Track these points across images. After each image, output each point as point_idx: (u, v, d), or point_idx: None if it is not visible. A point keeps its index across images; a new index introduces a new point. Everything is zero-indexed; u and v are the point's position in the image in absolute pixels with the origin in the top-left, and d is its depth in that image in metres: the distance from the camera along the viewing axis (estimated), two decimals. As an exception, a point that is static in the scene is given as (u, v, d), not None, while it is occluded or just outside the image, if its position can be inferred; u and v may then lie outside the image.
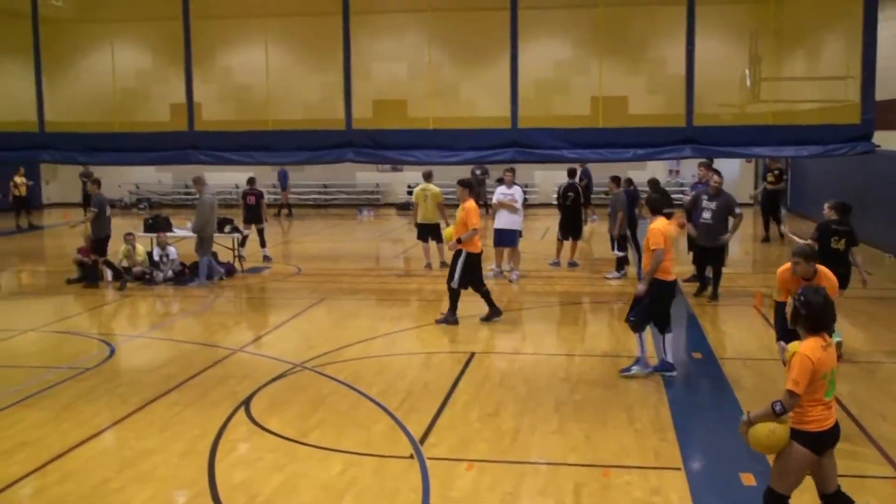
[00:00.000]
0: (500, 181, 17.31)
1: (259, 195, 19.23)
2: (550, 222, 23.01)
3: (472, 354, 11.00)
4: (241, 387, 9.69)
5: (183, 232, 17.94)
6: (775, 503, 5.47)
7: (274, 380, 9.99)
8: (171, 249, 16.77)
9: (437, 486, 6.90)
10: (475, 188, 13.60)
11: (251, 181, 19.72)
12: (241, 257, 18.23)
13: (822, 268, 7.96)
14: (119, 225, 19.61)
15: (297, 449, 7.81)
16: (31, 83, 15.25)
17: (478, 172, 28.07)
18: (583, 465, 7.38)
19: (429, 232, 17.50)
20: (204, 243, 16.35)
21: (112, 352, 11.39)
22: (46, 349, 11.80)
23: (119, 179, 34.10)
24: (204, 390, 9.63)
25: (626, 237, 16.65)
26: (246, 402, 9.11)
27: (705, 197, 14.29)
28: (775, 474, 5.47)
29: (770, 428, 5.31)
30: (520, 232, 16.50)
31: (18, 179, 27.36)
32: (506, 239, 16.37)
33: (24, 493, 6.89)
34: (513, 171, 16.94)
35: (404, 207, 32.05)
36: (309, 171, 32.24)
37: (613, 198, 16.89)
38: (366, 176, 33.63)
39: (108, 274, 16.47)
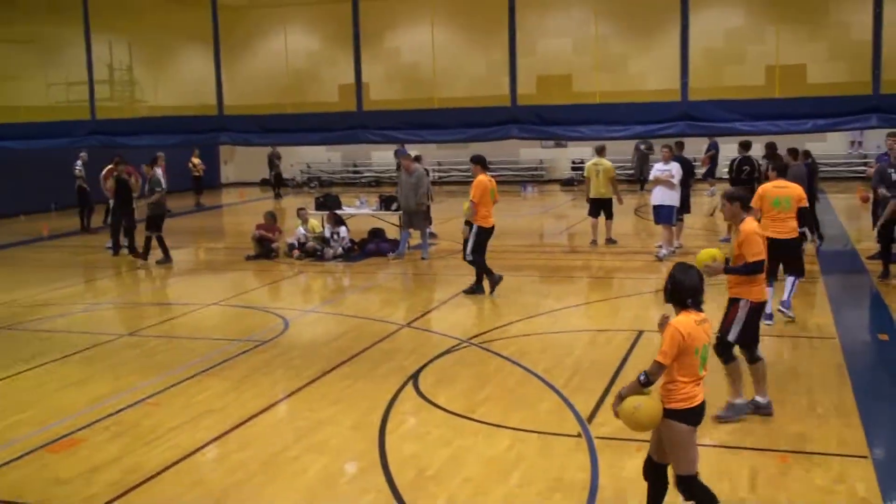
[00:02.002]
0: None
1: (426, 172, 19.42)
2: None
3: (641, 333, 10.76)
4: (409, 361, 9.85)
5: (352, 210, 18.42)
6: (685, 485, 5.46)
7: (441, 355, 10.10)
8: (342, 228, 17.22)
9: (605, 466, 6.78)
10: (486, 165, 13.78)
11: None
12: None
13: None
14: (292, 203, 20.36)
15: (464, 424, 7.87)
16: (209, 68, 15.92)
17: (642, 147, 27.48)
18: (759, 450, 7.08)
19: (601, 207, 17.40)
20: (419, 216, 16.94)
21: (286, 325, 11.81)
22: (226, 322, 12.38)
23: (291, 159, 35.34)
24: (374, 364, 9.85)
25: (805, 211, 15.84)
26: (414, 377, 9.25)
27: (893, 170, 13.41)
28: (673, 461, 5.48)
29: (635, 404, 5.32)
30: (675, 208, 16.06)
31: (195, 161, 28.79)
32: (663, 215, 15.96)
33: (209, 457, 7.25)
34: (670, 147, 16.44)
35: (568, 183, 31.82)
36: (473, 148, 32.36)
37: (793, 171, 16.10)
38: (529, 152, 33.53)
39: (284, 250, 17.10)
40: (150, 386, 9.16)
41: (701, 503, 5.49)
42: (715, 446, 7.18)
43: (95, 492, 6.59)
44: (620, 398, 5.43)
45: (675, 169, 16.00)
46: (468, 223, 13.22)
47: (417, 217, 17.00)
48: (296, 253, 17.00)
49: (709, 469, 6.66)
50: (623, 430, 7.33)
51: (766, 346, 9.97)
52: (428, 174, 19.63)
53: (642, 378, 5.31)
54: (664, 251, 15.96)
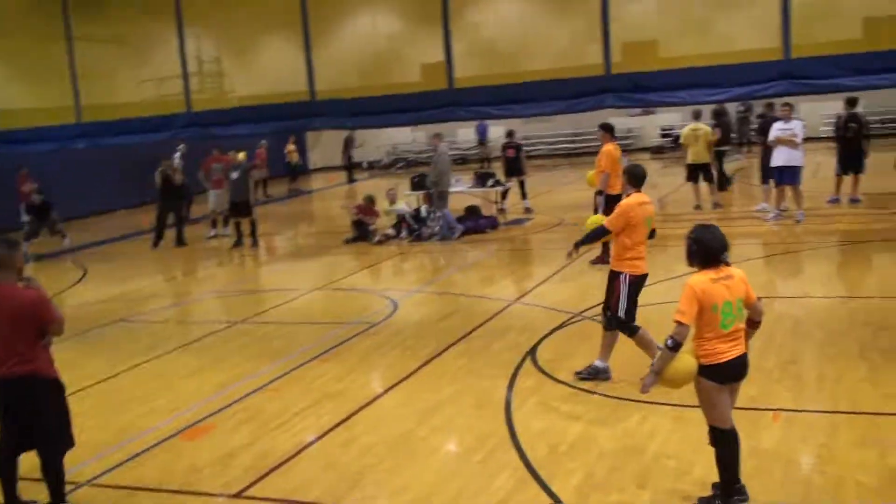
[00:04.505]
0: (762, 117, 16.50)
1: (518, 147, 19.31)
2: (821, 157, 21.58)
3: (758, 299, 10.42)
4: (523, 338, 9.76)
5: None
6: (717, 436, 5.50)
7: (554, 330, 9.98)
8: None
9: (743, 437, 6.43)
10: (614, 133, 13.50)
11: (510, 134, 19.82)
12: (502, 210, 18.42)
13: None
14: (382, 185, 20.48)
15: (590, 398, 7.76)
16: (294, 54, 15.97)
17: (741, 109, 26.82)
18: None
19: (700, 170, 17.09)
20: (442, 197, 16.64)
21: (395, 307, 11.83)
22: (334, 306, 12.48)
23: (376, 141, 35.51)
24: (487, 342, 9.79)
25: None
26: (531, 353, 9.16)
27: None
28: (704, 411, 5.55)
29: (674, 367, 5.34)
30: (801, 168, 15.50)
31: (290, 147, 29.11)
32: (787, 176, 15.42)
33: (337, 441, 7.27)
34: (790, 105, 15.84)
35: (658, 151, 31.26)
36: (558, 121, 32.04)
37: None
38: (617, 121, 32.83)
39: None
40: (269, 372, 9.27)
41: (721, 458, 5.51)
42: (856, 413, 6.94)
43: (233, 477, 6.68)
44: (656, 374, 5.42)
45: (797, 128, 15.41)
46: (599, 192, 13.05)
47: (435, 197, 16.83)
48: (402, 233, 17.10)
49: (855, 437, 6.47)
50: (754, 399, 7.25)
51: (892, 310, 9.63)
52: (521, 148, 19.51)
53: (669, 342, 5.31)
54: (801, 214, 15.38)
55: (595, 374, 8.18)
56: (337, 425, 7.62)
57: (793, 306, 10.31)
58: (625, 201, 7.88)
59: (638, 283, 7.91)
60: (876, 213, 15.64)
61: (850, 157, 16.52)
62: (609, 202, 12.68)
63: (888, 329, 8.99)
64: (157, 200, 19.02)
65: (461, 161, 34.58)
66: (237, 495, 6.39)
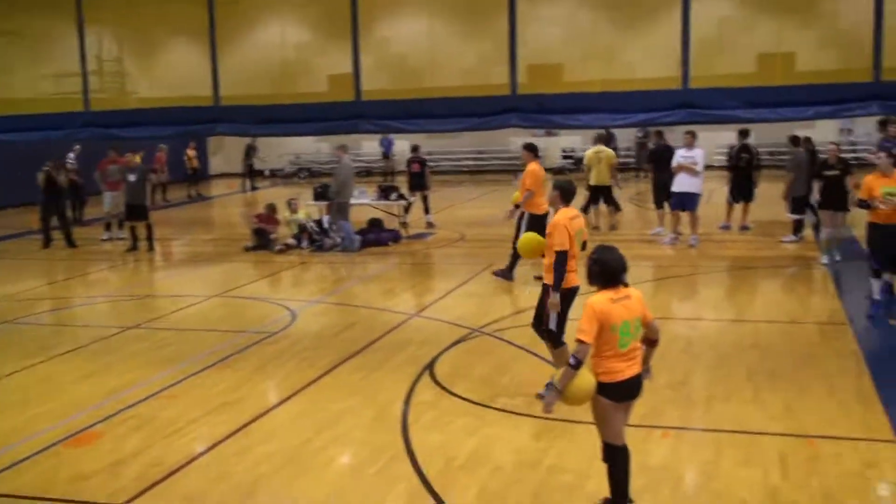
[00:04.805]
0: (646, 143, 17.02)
1: (423, 162, 19.40)
2: (714, 184, 22.32)
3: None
4: (422, 351, 9.79)
5: (352, 200, 18.31)
6: (608, 453, 5.64)
7: (453, 345, 10.05)
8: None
9: (634, 454, 6.61)
10: (538, 153, 13.74)
11: (415, 149, 19.91)
12: (405, 223, 18.45)
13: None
14: (283, 193, 20.26)
15: (486, 413, 7.83)
16: (200, 59, 15.73)
17: (640, 135, 27.53)
18: (786, 435, 7.08)
19: (602, 193, 17.43)
20: (341, 209, 16.60)
21: (294, 316, 11.72)
22: (233, 314, 12.27)
23: (279, 150, 35.16)
24: (386, 354, 9.78)
25: (804, 199, 15.93)
26: (429, 367, 9.19)
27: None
28: (599, 428, 5.69)
29: (575, 384, 5.44)
30: (699, 195, 15.99)
31: (191, 152, 28.59)
32: (686, 202, 15.89)
33: (232, 450, 7.15)
34: (692, 133, 16.30)
35: (559, 172, 31.77)
36: (462, 138, 32.33)
37: (795, 158, 16.16)
38: (520, 141, 33.28)
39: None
40: (164, 378, 9.07)
41: (612, 474, 5.65)
42: (741, 432, 7.18)
43: (120, 486, 6.49)
44: (558, 391, 5.48)
45: (698, 156, 15.88)
46: (517, 205, 13.17)
47: (334, 209, 16.82)
48: (303, 244, 16.97)
49: (741, 456, 6.69)
50: (645, 417, 7.38)
51: (778, 334, 10.04)
52: (426, 163, 19.60)
53: (572, 361, 5.40)
54: (694, 238, 15.85)
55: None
56: (232, 434, 7.50)
57: (685, 328, 10.62)
58: (557, 217, 7.92)
59: (569, 295, 7.96)
60: (764, 241, 16.26)
61: (741, 187, 17.15)
62: (533, 222, 12.85)
63: (773, 352, 9.35)
64: (41, 201, 18.48)
65: (365, 174, 34.55)
66: (125, 505, 6.23)
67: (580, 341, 5.37)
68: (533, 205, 12.88)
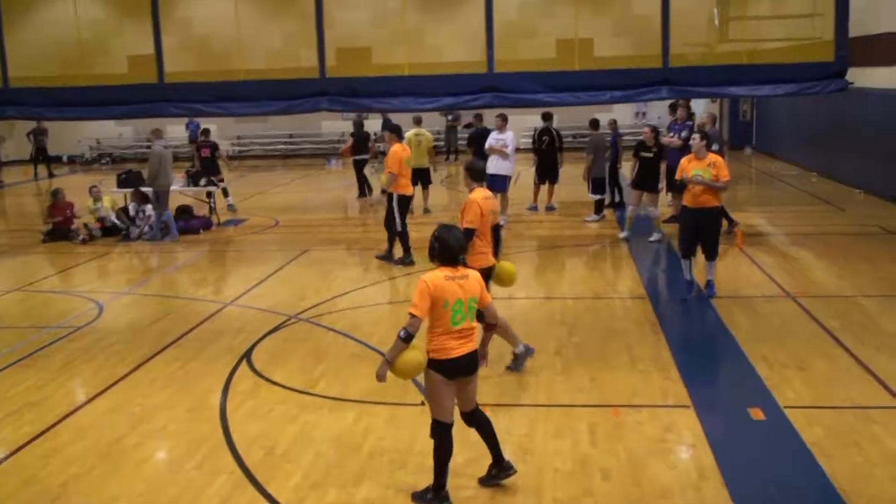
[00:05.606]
0: (469, 126, 17.37)
1: (214, 147, 19.02)
2: (521, 167, 23.03)
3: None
4: (237, 340, 9.66)
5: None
6: (437, 429, 5.77)
7: (270, 332, 9.95)
8: (148, 206, 16.46)
9: (455, 430, 6.93)
10: (401, 133, 13.79)
11: (205, 132, 19.47)
12: (213, 209, 17.97)
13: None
14: (84, 181, 19.29)
15: (306, 400, 7.83)
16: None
17: (450, 118, 27.96)
18: (593, 406, 7.49)
19: (419, 176, 17.51)
20: (160, 197, 16.05)
21: (101, 309, 11.25)
22: (33, 309, 11.62)
23: (78, 135, 33.44)
24: (201, 345, 9.58)
25: (603, 180, 16.74)
26: (246, 356, 9.09)
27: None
28: (429, 404, 5.83)
29: (403, 358, 5.62)
30: (509, 178, 16.45)
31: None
32: (496, 185, 16.25)
33: (40, 453, 6.83)
34: (504, 117, 16.66)
35: (375, 156, 31.84)
36: (274, 122, 31.76)
37: (593, 140, 16.92)
38: (332, 125, 33.21)
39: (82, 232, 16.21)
40: (-42, 381, 8.52)
41: (437, 450, 5.77)
42: (552, 406, 7.52)
43: (-86, 498, 6.09)
44: (388, 363, 5.64)
45: (509, 139, 16.25)
46: (384, 191, 13.19)
47: (153, 198, 16.16)
48: (97, 230, 16.20)
49: (551, 428, 7.01)
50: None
51: (584, 310, 10.54)
52: (217, 147, 19.16)
53: (402, 333, 5.54)
54: (503, 219, 16.22)
55: (523, 360, 8.35)
56: (38, 436, 7.17)
57: (499, 307, 10.81)
58: (471, 196, 8.01)
59: (484, 275, 7.99)
60: (569, 220, 16.95)
61: (546, 168, 17.79)
62: (402, 203, 12.95)
63: (580, 328, 9.81)
64: None
65: (174, 159, 33.33)
66: (-80, 517, 5.85)
67: (412, 315, 5.51)
68: (399, 186, 12.99)
